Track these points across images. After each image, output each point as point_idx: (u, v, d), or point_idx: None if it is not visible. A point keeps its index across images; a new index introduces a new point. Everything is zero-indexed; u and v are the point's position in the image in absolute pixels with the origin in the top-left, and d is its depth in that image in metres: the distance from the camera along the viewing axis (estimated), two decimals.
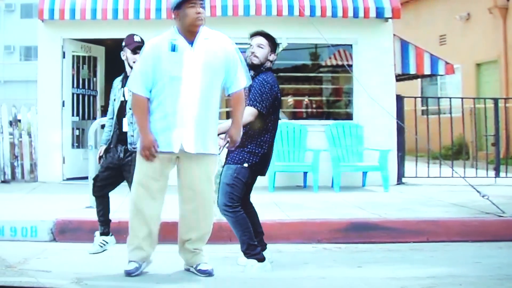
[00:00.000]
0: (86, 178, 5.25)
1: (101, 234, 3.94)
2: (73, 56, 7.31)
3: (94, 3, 6.60)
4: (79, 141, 7.33)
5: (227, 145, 3.45)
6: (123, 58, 3.89)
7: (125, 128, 3.82)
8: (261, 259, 3.50)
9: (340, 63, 7.42)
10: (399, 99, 6.97)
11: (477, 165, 7.38)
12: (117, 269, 3.51)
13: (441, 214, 4.95)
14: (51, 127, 6.95)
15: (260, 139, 3.57)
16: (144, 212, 3.44)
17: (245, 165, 3.52)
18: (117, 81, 3.96)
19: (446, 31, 11.98)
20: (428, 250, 4.12)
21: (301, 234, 4.44)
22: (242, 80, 3.48)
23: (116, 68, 3.96)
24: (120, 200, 4.22)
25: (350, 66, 7.02)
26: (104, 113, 6.05)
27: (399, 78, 7.85)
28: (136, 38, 3.88)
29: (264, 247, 3.62)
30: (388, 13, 6.73)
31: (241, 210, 3.51)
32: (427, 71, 7.56)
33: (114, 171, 3.88)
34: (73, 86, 7.28)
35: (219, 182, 3.64)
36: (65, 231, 4.40)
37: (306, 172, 6.63)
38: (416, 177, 6.96)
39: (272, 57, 3.66)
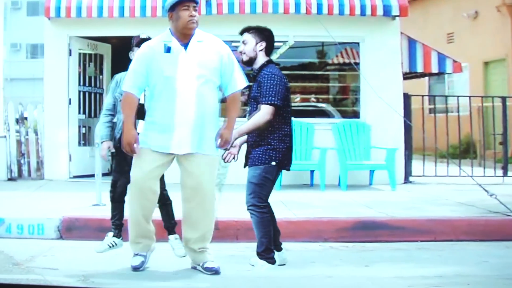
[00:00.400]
0: (93, 175, 5.27)
1: (113, 236, 3.95)
2: (80, 54, 7.33)
3: (100, 1, 6.61)
4: (85, 138, 7.35)
5: (223, 146, 3.47)
6: (132, 57, 3.90)
7: (140, 129, 3.84)
8: (272, 263, 3.51)
9: (347, 61, 7.41)
10: (407, 97, 6.96)
11: (485, 164, 7.37)
12: (123, 267, 3.53)
13: (448, 213, 4.94)
14: (57, 125, 6.97)
15: (281, 133, 3.59)
16: (140, 207, 3.48)
17: (273, 163, 3.54)
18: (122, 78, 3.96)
19: (454, 29, 11.94)
20: (435, 249, 4.11)
21: (308, 233, 4.44)
22: (239, 81, 3.51)
23: (122, 66, 3.98)
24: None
25: (357, 64, 7.01)
26: None
27: (407, 76, 7.84)
28: (144, 36, 3.90)
29: (279, 248, 3.64)
30: (395, 11, 6.71)
31: (267, 211, 3.54)
32: (434, 69, 7.54)
33: None
34: (79, 84, 7.30)
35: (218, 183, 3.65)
36: (72, 229, 4.41)
37: (313, 171, 6.63)
38: (423, 176, 6.95)
39: (260, 46, 3.63)
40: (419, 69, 7.49)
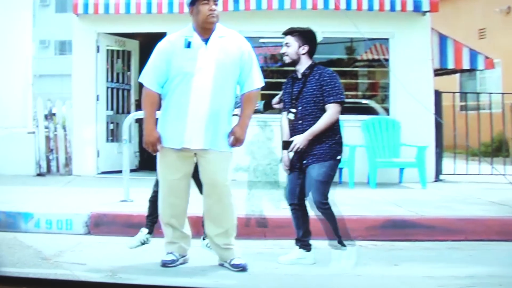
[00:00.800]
0: (120, 171, 5.31)
1: (147, 233, 3.97)
2: (107, 50, 7.39)
3: None
4: (113, 135, 7.41)
5: (235, 144, 3.47)
6: None
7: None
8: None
9: (376, 57, 7.35)
10: (437, 94, 6.88)
11: None
12: (150, 263, 3.55)
13: (480, 212, 4.87)
14: (85, 121, 7.04)
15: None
16: (170, 210, 3.49)
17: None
18: None
19: (486, 25, 11.78)
20: (467, 249, 4.06)
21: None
22: (256, 80, 3.50)
23: None
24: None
25: (387, 60, 6.95)
26: (138, 107, 6.09)
27: (437, 73, 7.74)
28: None
29: (309, 248, 3.65)
30: (425, 7, 6.64)
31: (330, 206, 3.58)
32: (466, 65, 7.43)
33: None
34: (107, 80, 7.36)
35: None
36: (100, 224, 4.45)
37: (342, 168, 6.58)
38: (454, 174, 6.88)
39: (302, 49, 3.62)
40: (450, 65, 7.39)
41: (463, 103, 8.01)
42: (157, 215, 3.72)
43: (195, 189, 3.61)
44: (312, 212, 3.60)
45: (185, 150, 3.41)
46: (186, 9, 6.80)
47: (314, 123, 3.51)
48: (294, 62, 3.62)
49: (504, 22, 11.20)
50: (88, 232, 4.41)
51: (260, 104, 3.86)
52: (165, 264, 3.45)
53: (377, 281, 3.40)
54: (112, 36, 7.40)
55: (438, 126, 6.73)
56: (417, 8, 6.65)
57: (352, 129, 6.72)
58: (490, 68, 7.80)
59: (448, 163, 6.98)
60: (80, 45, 7.24)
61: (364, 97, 7.75)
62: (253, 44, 3.86)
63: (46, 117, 7.23)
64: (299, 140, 3.50)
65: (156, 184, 3.80)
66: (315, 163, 3.52)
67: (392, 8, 6.60)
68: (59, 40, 27.34)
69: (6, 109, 6.96)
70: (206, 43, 3.40)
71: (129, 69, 7.79)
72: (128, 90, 7.73)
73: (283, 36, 3.68)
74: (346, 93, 7.68)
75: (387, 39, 7.10)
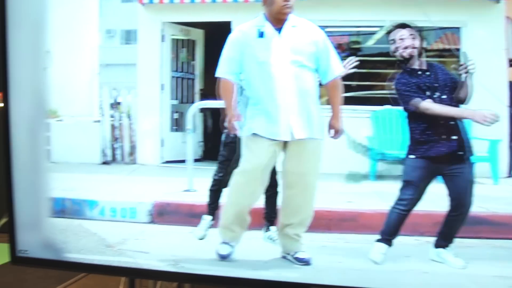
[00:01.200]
0: (184, 161, 5.37)
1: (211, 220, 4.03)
2: (172, 39, 7.48)
3: None
4: (177, 124, 7.49)
5: (337, 136, 3.47)
6: None
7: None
8: None
9: (447, 47, 7.16)
10: None
11: None
12: (213, 254, 3.59)
13: None
14: (150, 110, 7.15)
15: None
16: (241, 198, 3.50)
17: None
18: None
19: None
20: None
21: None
22: (336, 68, 3.47)
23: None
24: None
25: (458, 50, 6.76)
26: (203, 96, 6.16)
27: None
28: None
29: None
30: None
31: None
32: None
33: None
34: (172, 70, 7.45)
35: None
36: (163, 214, 4.53)
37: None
38: None
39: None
40: None
41: None
42: (217, 203, 3.77)
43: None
44: None
45: (272, 140, 3.42)
46: None
47: None
48: (412, 56, 3.63)
49: None
50: (152, 221, 4.49)
51: None
52: (222, 257, 3.48)
53: (444, 279, 3.34)
54: (177, 25, 7.47)
55: None
56: None
57: None
58: None
59: None
60: (145, 34, 7.34)
61: None
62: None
63: (111, 106, 7.37)
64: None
65: (217, 173, 3.85)
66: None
67: None
68: (125, 30, 27.93)
69: (73, 98, 7.16)
70: (279, 33, 3.39)
71: (193, 59, 7.85)
72: (193, 80, 7.79)
73: (389, 32, 3.71)
74: None
75: (458, 28, 6.91)
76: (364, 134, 5.03)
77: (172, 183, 5.44)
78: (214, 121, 6.16)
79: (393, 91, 3.66)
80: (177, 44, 7.89)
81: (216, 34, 4.15)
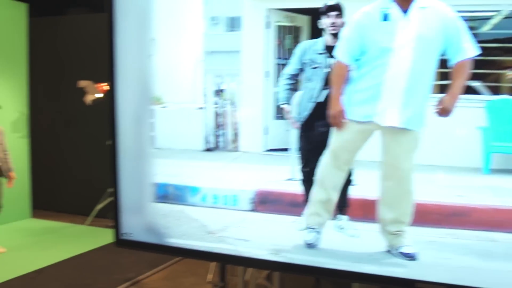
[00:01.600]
0: (287, 149, 5.37)
1: None
2: (277, 26, 7.48)
3: None
4: (281, 112, 7.51)
5: (442, 114, 3.31)
6: (321, 26, 3.92)
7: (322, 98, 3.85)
8: None
9: None
10: None
11: None
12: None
13: None
14: (253, 98, 7.20)
15: None
16: (327, 179, 3.48)
17: None
18: (311, 44, 3.98)
19: None
20: None
21: None
22: (469, 49, 3.30)
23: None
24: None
25: None
26: None
27: None
28: (331, 3, 3.87)
29: None
30: None
31: None
32: None
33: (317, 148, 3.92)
34: (276, 57, 7.46)
35: None
36: (265, 202, 4.55)
37: None
38: None
39: None
40: None
41: None
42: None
43: None
44: None
45: (370, 125, 3.36)
46: None
47: None
48: None
49: None
50: (253, 209, 4.52)
51: None
52: (309, 245, 3.46)
53: None
54: (282, 11, 7.47)
55: None
56: None
57: None
58: None
59: None
60: (249, 21, 7.39)
61: None
62: None
63: (215, 93, 7.49)
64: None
65: (301, 165, 3.86)
66: None
67: None
68: (229, 17, 28.41)
69: (177, 85, 7.33)
70: (405, 15, 3.28)
71: None
72: None
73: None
74: None
75: None
76: (477, 125, 4.83)
77: (275, 171, 5.45)
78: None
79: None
80: (282, 31, 7.89)
81: None
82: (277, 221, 4.15)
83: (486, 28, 6.23)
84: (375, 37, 3.31)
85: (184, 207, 4.40)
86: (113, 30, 4.20)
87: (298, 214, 4.00)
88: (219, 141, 7.93)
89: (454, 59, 3.32)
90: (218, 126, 7.99)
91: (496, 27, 6.78)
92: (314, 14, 7.35)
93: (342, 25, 3.79)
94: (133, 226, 4.23)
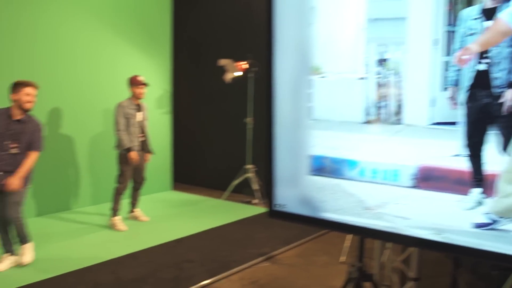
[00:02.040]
0: (455, 123, 5.10)
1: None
2: None
3: None
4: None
5: None
6: None
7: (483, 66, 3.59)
8: None
9: None
10: None
11: None
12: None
13: None
14: (420, 67, 6.91)
15: None
16: None
17: None
18: (467, 12, 3.73)
19: None
20: None
21: None
22: None
23: None
24: None
25: None
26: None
27: None
28: None
29: None
30: None
31: None
32: None
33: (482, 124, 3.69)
34: (446, 24, 7.10)
35: None
36: (428, 179, 4.35)
37: None
38: None
39: None
40: None
41: None
42: (480, 171, 3.51)
43: None
44: None
45: None
46: None
47: None
48: None
49: None
50: (415, 186, 4.35)
51: None
52: (478, 226, 3.25)
53: None
54: None
55: None
56: None
57: None
58: None
59: None
60: None
61: None
62: None
63: (378, 62, 7.30)
64: None
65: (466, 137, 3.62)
66: None
67: None
68: None
69: (337, 54, 7.23)
70: None
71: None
72: (471, 34, 7.35)
73: None
74: None
75: None
76: None
77: (440, 146, 5.20)
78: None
79: None
80: None
81: None
82: (440, 199, 3.96)
83: None
84: None
85: (341, 181, 4.33)
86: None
87: (465, 193, 3.78)
88: (381, 113, 7.71)
89: None
90: (380, 97, 7.77)
91: None
92: None
93: None
94: (287, 198, 4.25)
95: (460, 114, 4.84)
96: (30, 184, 7.51)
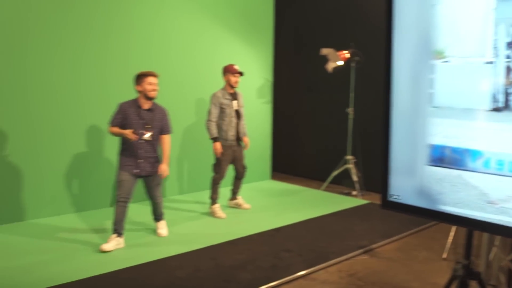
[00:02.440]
0: None
1: None
2: None
3: None
4: None
5: None
6: None
7: None
8: None
9: None
10: None
11: None
12: None
13: None
14: None
15: None
16: None
17: None
18: None
19: None
20: None
21: None
22: None
23: None
24: None
25: None
26: None
27: None
28: None
29: None
30: None
31: None
32: None
33: None
34: None
35: None
36: None
37: None
38: None
39: None
40: None
41: None
42: None
43: None
44: None
45: None
46: None
47: None
48: None
49: None
50: None
51: None
52: None
53: None
54: None
55: None
56: None
57: None
58: None
59: None
60: None
61: None
62: None
63: (508, 45, 6.96)
64: None
65: None
66: None
67: None
68: None
69: (462, 37, 6.97)
70: None
71: None
72: None
73: None
74: None
75: None
76: None
77: None
78: None
79: None
80: None
81: None
82: None
83: None
84: None
85: (462, 172, 4.17)
86: None
87: None
88: (510, 100, 7.32)
89: None
90: (510, 83, 7.36)
91: None
92: None
93: None
94: (402, 189, 4.16)
95: None
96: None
